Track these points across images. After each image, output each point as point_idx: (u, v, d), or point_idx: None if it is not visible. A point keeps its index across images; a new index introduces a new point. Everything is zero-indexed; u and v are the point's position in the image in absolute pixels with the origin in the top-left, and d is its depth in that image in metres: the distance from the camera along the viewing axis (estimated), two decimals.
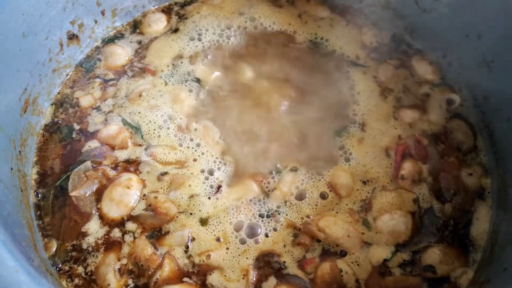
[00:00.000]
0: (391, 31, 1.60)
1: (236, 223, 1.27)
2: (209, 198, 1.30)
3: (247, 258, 1.23)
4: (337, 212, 1.29)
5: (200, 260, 1.22)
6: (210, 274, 1.21)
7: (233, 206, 1.29)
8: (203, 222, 1.27)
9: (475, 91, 1.43)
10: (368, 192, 1.31)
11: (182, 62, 1.53)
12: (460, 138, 1.41)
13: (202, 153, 1.37)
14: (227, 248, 1.24)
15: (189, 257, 1.23)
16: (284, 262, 1.23)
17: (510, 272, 1.10)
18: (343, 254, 1.24)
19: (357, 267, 1.22)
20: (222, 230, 1.26)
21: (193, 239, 1.25)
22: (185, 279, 1.20)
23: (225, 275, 1.21)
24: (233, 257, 1.23)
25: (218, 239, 1.25)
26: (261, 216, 1.28)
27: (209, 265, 1.22)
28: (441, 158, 1.37)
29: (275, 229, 1.27)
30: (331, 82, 1.49)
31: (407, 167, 1.34)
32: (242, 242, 1.25)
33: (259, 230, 1.26)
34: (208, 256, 1.23)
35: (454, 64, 1.49)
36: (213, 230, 1.26)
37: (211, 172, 1.34)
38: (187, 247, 1.24)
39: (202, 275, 1.21)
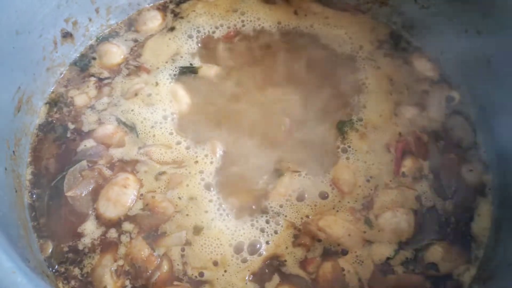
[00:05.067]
0: (389, 28, 1.59)
1: (235, 246, 1.22)
2: (210, 200, 1.28)
3: (249, 270, 1.20)
4: (337, 211, 1.27)
5: (193, 275, 1.19)
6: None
7: (233, 226, 1.25)
8: (197, 231, 1.23)
9: (475, 87, 1.42)
10: (371, 189, 1.30)
11: (179, 61, 1.51)
12: (460, 134, 1.40)
13: (196, 153, 1.34)
14: (225, 271, 1.19)
15: (184, 263, 1.20)
16: (285, 261, 1.21)
17: None
18: (344, 253, 1.22)
19: (359, 266, 1.21)
20: (221, 254, 1.21)
21: (189, 243, 1.22)
22: (175, 283, 1.18)
23: None
24: (230, 275, 1.19)
25: (215, 263, 1.20)
26: (261, 230, 1.24)
27: (201, 281, 1.19)
28: (441, 155, 1.36)
29: (275, 232, 1.24)
30: (335, 77, 1.48)
31: (408, 164, 1.33)
32: (244, 261, 1.21)
33: (259, 246, 1.22)
34: (201, 274, 1.19)
35: (453, 61, 1.47)
36: (211, 252, 1.21)
37: (208, 172, 1.32)
38: (183, 250, 1.22)
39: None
